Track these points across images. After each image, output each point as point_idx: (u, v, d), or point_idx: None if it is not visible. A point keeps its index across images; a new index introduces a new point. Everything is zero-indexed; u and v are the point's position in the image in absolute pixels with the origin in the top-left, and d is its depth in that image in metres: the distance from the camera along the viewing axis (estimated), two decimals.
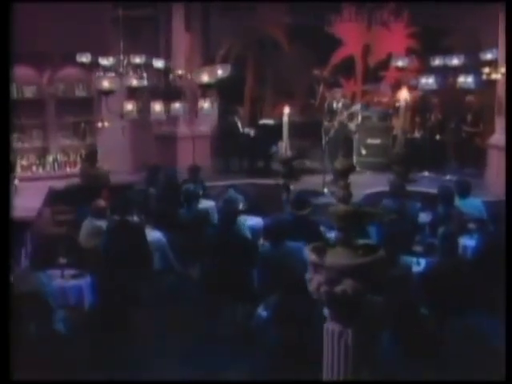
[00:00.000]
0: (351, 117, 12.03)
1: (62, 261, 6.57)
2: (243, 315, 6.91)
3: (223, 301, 6.92)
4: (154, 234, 7.98)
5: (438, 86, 11.73)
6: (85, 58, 8.90)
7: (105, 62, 8.61)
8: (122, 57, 8.16)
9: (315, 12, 15.09)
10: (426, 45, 14.98)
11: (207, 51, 14.15)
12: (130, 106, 8.86)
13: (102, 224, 7.77)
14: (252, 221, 8.49)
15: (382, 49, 15.82)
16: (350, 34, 15.94)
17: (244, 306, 6.97)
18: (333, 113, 11.89)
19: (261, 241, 7.08)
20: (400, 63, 13.00)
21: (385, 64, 15.43)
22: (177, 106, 9.63)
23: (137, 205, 7.74)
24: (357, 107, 12.11)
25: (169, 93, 9.51)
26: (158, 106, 9.15)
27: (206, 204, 9.35)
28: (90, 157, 10.95)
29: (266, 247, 6.55)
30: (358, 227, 3.58)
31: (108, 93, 8.33)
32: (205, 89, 8.88)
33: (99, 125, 11.81)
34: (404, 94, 14.29)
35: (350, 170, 3.57)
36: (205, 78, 9.08)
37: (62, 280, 6.54)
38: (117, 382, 5.18)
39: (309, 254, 3.45)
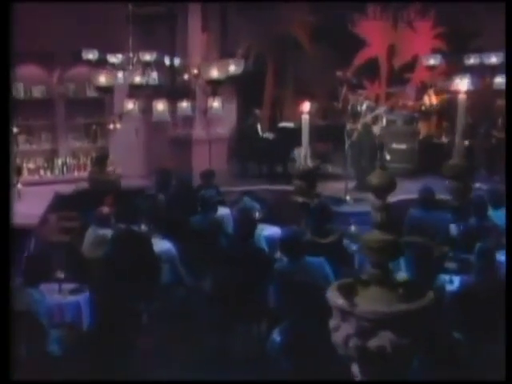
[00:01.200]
0: (375, 120, 11.38)
1: (60, 275, 5.99)
2: (257, 335, 6.32)
3: (236, 318, 6.32)
4: (162, 245, 7.39)
5: (471, 87, 11.05)
6: (91, 55, 8.31)
7: (113, 59, 8.03)
8: (131, 54, 7.58)
9: (339, 11, 14.49)
10: (454, 46, 14.33)
11: (225, 50, 13.53)
12: (130, 105, 8.24)
13: (107, 233, 7.20)
14: (269, 230, 7.88)
15: (407, 50, 15.20)
16: (374, 34, 15.30)
17: (258, 325, 6.40)
18: (356, 115, 11.25)
19: (277, 254, 6.45)
20: (432, 61, 12.28)
21: (410, 66, 14.85)
22: (184, 105, 8.94)
23: (145, 212, 7.12)
24: (381, 110, 11.45)
25: (174, 91, 8.86)
26: (160, 105, 8.45)
27: (220, 211, 8.78)
28: (100, 160, 10.41)
29: (283, 262, 5.92)
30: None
31: (106, 90, 7.72)
32: (215, 86, 8.16)
33: (111, 126, 11.27)
34: (432, 97, 13.83)
35: (390, 187, 2.70)
36: (214, 73, 8.35)
37: (59, 296, 5.97)
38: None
39: (333, 296, 2.59)
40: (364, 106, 11.32)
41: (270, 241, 7.47)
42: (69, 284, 6.13)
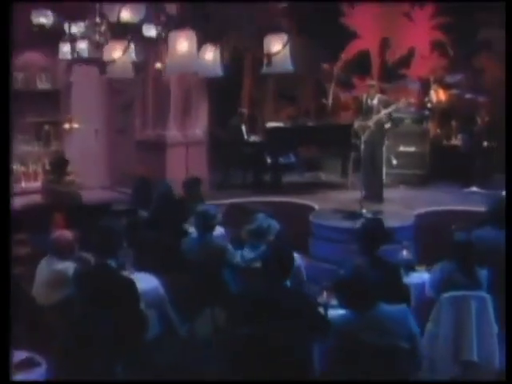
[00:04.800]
0: (389, 117, 9.49)
1: None
2: None
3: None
4: (147, 282, 5.31)
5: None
6: (44, 19, 6.06)
7: (74, 29, 5.90)
8: (98, 19, 5.49)
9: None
10: (457, 37, 12.68)
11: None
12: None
13: (68, 267, 5.09)
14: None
15: (402, 43, 13.54)
16: (365, 25, 13.60)
17: None
18: (368, 111, 9.32)
19: (324, 296, 4.40)
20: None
21: (406, 60, 13.13)
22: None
23: (121, 237, 4.99)
24: (395, 106, 9.58)
25: None
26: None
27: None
28: (59, 166, 8.25)
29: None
30: None
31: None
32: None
33: (66, 126, 9.10)
34: (440, 93, 12.07)
35: None
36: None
37: None
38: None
39: None
40: (375, 100, 9.39)
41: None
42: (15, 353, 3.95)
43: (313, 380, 4.13)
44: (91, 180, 9.86)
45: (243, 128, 11.31)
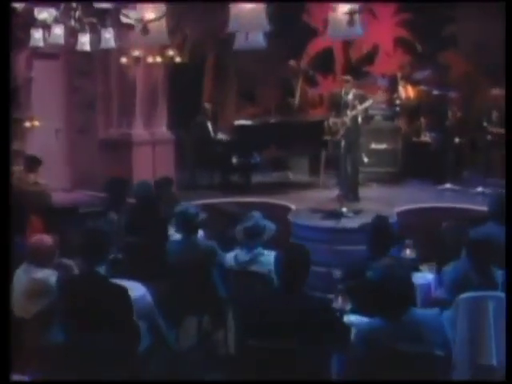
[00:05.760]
0: (366, 112, 9.21)
1: None
2: None
3: None
4: (134, 289, 4.85)
5: None
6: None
7: (44, 14, 5.35)
8: (73, 4, 5.02)
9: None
10: (422, 34, 12.58)
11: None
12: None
13: (48, 275, 4.62)
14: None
15: (366, 40, 13.35)
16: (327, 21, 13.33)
17: None
18: (343, 106, 8.99)
19: (339, 301, 4.03)
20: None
21: (370, 57, 13.01)
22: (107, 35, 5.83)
23: (111, 241, 4.51)
24: (372, 100, 9.31)
25: None
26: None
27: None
28: (31, 164, 7.71)
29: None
30: None
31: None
32: None
33: (27, 125, 8.55)
34: (409, 90, 11.91)
35: None
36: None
37: None
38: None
39: None
40: (351, 95, 9.07)
41: None
42: None
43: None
44: (52, 182, 9.31)
45: (209, 125, 10.88)
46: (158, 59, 9.45)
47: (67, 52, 8.33)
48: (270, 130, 10.83)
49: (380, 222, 4.74)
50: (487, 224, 5.52)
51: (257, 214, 5.28)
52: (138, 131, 9.91)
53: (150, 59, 9.31)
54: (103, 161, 9.88)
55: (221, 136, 10.91)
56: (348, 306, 4.00)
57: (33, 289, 4.59)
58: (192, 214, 5.40)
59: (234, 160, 10.63)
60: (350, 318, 3.93)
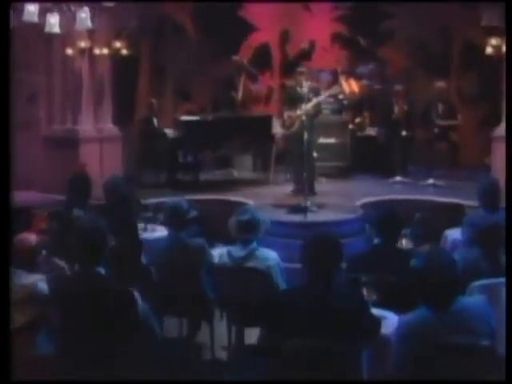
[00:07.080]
0: (319, 107, 9.12)
1: None
2: None
3: None
4: None
5: None
6: None
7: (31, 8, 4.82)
8: None
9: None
10: (357, 29, 12.68)
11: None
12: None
13: (36, 281, 4.24)
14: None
15: (303, 35, 13.40)
16: (264, 18, 13.33)
17: None
18: (299, 99, 8.84)
19: (364, 293, 3.82)
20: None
21: (307, 53, 13.10)
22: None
23: (108, 238, 4.16)
24: (328, 93, 9.22)
25: None
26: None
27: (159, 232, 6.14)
28: None
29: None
30: None
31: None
32: None
33: None
34: (353, 84, 11.89)
35: None
36: None
37: None
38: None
39: None
40: (306, 88, 8.92)
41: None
42: None
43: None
44: None
45: (155, 121, 10.52)
46: (105, 51, 9.02)
47: None
48: (216, 126, 10.51)
49: (387, 213, 4.60)
50: (478, 212, 5.51)
51: (252, 207, 5.05)
52: (85, 127, 9.40)
53: (96, 51, 8.86)
54: (47, 159, 9.34)
55: (168, 132, 10.52)
56: (373, 299, 3.83)
57: (20, 297, 4.15)
58: (184, 210, 5.11)
59: (181, 157, 10.33)
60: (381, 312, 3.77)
